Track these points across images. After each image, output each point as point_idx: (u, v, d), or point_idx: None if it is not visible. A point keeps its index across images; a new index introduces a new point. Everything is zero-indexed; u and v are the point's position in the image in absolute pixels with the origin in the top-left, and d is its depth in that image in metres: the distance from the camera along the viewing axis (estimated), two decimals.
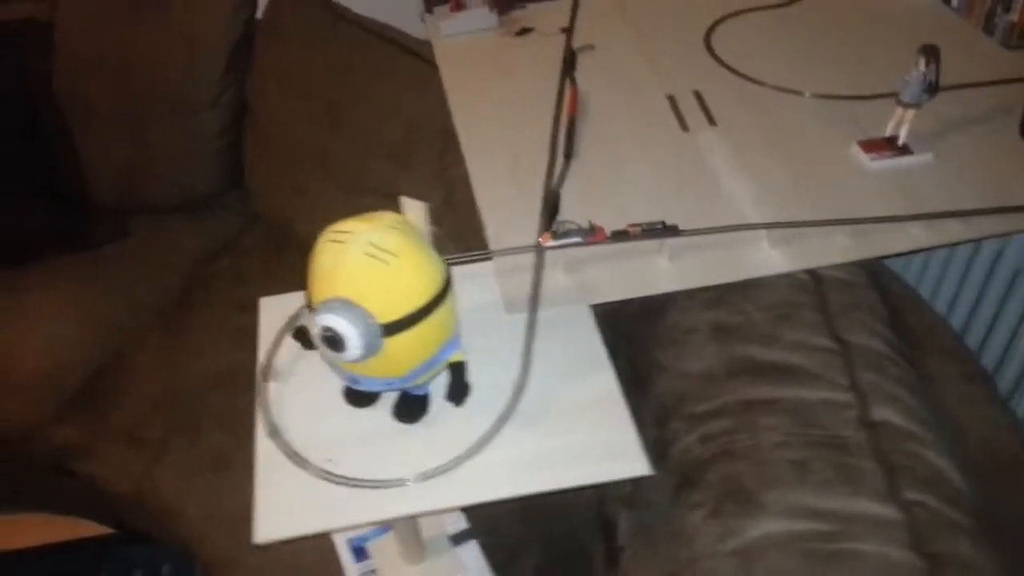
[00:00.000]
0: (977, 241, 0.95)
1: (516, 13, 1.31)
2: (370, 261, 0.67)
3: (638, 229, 0.92)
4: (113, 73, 1.38)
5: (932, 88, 0.98)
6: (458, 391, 0.76)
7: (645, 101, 1.15)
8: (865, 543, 0.68)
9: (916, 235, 0.93)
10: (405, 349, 0.70)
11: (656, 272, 0.92)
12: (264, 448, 0.77)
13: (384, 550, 0.94)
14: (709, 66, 1.20)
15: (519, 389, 0.79)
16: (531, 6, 1.34)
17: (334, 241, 0.69)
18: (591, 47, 1.25)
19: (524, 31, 1.29)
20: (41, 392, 1.20)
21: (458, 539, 0.95)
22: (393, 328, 0.68)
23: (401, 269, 0.68)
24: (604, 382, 0.83)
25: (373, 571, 0.93)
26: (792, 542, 0.69)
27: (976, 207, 0.94)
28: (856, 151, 1.04)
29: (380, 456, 0.76)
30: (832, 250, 0.93)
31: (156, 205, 1.46)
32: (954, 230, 0.94)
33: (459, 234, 1.12)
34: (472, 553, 0.94)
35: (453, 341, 0.74)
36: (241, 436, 1.05)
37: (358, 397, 0.79)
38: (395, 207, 1.23)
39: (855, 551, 0.68)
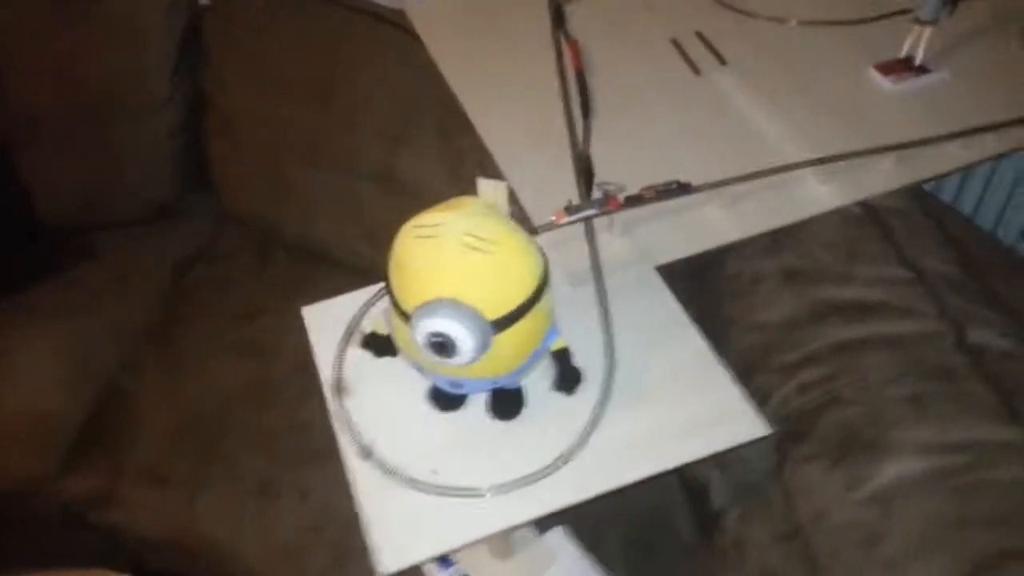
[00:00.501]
0: (1016, 152, 0.95)
1: None
2: (472, 254, 0.61)
3: (652, 192, 0.86)
4: (53, 80, 1.25)
5: (951, 1, 0.96)
6: (569, 379, 0.71)
7: (649, 48, 1.10)
8: (1001, 470, 0.68)
9: (957, 154, 0.93)
10: (515, 344, 0.65)
11: (714, 223, 0.88)
12: (359, 472, 0.70)
13: (470, 551, 0.89)
14: (707, 5, 1.16)
15: (610, 368, 0.75)
16: None
17: (423, 237, 0.63)
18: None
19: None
20: (38, 442, 1.10)
21: (543, 527, 0.91)
22: (504, 323, 0.63)
23: (506, 258, 0.62)
24: (692, 344, 0.79)
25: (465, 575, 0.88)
26: (930, 480, 0.68)
27: (1005, 119, 0.94)
28: (874, 75, 1.02)
29: (484, 458, 0.71)
30: (880, 178, 0.91)
31: (117, 219, 1.35)
32: (991, 145, 0.93)
33: None
34: (559, 538, 0.91)
35: (553, 328, 0.69)
36: (280, 456, 0.99)
37: (447, 400, 0.74)
38: (391, 189, 1.17)
39: (994, 479, 0.67)
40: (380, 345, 0.75)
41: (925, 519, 0.66)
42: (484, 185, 0.68)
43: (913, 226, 0.88)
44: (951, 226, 0.92)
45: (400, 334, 0.67)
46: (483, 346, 0.62)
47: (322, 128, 1.17)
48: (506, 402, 0.72)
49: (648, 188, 0.87)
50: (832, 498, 0.72)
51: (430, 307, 0.61)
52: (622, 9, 1.16)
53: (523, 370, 0.68)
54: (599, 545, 0.92)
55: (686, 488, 0.93)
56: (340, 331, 0.80)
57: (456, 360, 0.63)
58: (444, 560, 0.89)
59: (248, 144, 1.27)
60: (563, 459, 0.69)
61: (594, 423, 0.72)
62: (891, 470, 0.70)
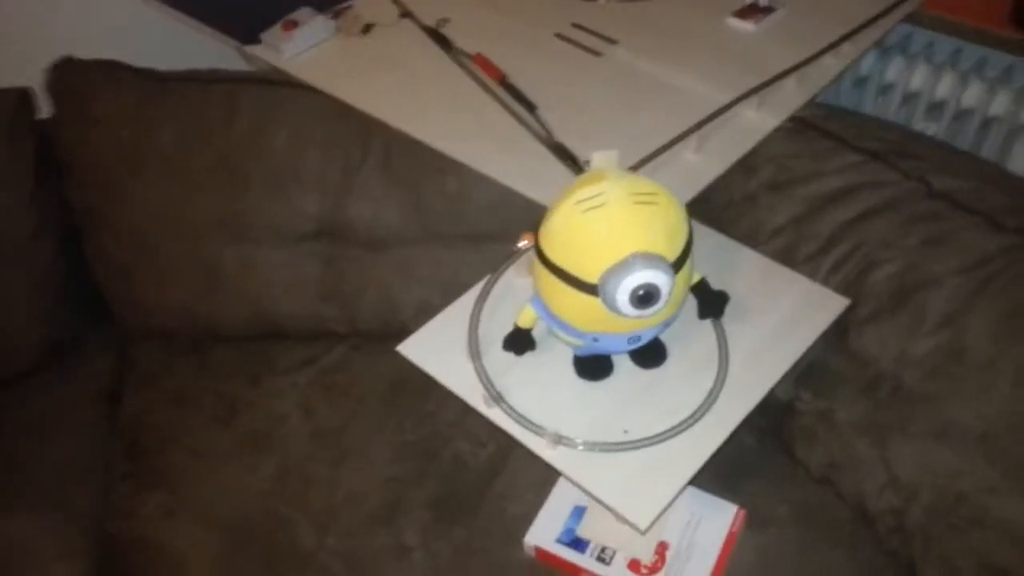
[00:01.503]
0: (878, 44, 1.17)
1: (349, 14, 1.26)
2: (644, 208, 0.67)
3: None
4: None
5: None
6: (717, 303, 0.79)
7: (540, 46, 1.19)
8: (1018, 265, 0.86)
9: (831, 63, 1.12)
10: (683, 284, 0.71)
11: (696, 167, 1.00)
12: (562, 460, 0.73)
13: (593, 526, 0.93)
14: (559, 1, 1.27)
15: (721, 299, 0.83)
16: (356, 3, 1.30)
17: (593, 207, 0.67)
18: (446, 20, 1.25)
19: (368, 28, 1.25)
20: None
21: None
22: (677, 265, 0.69)
23: (668, 206, 0.69)
24: (749, 259, 0.91)
25: (603, 549, 0.91)
26: (979, 287, 0.85)
27: (847, 30, 1.16)
28: (735, 22, 1.20)
29: (653, 409, 0.76)
30: (793, 96, 1.08)
31: (15, 372, 1.17)
32: (847, 51, 1.15)
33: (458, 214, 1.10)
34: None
35: None
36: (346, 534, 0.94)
37: (595, 369, 0.78)
38: (343, 239, 1.15)
39: (1019, 271, 0.85)
40: (522, 342, 0.77)
41: (993, 318, 0.82)
42: (598, 157, 0.73)
43: (839, 123, 1.06)
44: (856, 118, 1.12)
45: (574, 308, 0.70)
46: (672, 291, 0.68)
47: (242, 205, 1.11)
48: (656, 352, 0.78)
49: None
50: (906, 337, 0.87)
51: (630, 263, 0.66)
52: (490, 20, 1.24)
53: (679, 310, 0.74)
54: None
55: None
56: (456, 349, 0.81)
57: (654, 308, 0.68)
58: (579, 543, 0.92)
59: (153, 247, 1.17)
60: (716, 390, 0.77)
61: (724, 353, 0.80)
62: (943, 296, 0.86)
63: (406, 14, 1.27)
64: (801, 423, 0.96)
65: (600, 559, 0.90)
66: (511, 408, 0.75)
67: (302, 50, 1.21)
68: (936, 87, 1.35)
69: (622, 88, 1.11)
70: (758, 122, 1.05)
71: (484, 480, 0.99)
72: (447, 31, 1.23)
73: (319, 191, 1.12)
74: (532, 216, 1.01)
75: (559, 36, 1.21)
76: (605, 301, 0.67)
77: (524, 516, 0.94)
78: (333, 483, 1.01)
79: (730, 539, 0.91)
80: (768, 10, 1.20)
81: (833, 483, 0.94)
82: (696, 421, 0.74)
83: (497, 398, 0.76)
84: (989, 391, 0.81)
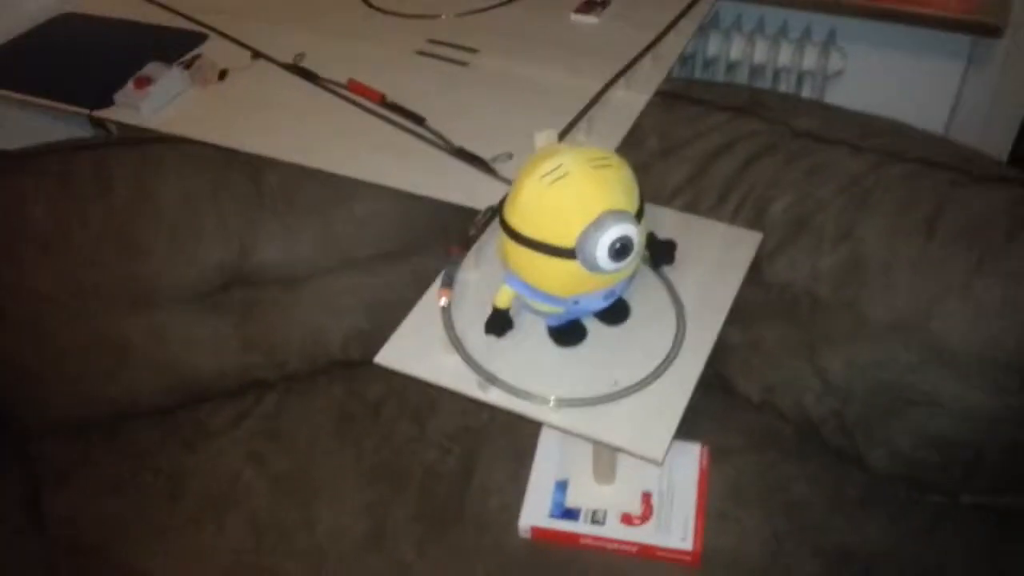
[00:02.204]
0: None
1: (201, 63, 1.24)
2: (604, 170, 0.73)
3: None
4: None
5: None
6: (668, 250, 0.85)
7: (407, 65, 1.23)
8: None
9: (676, 39, 1.24)
10: (644, 235, 0.77)
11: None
12: (569, 422, 0.76)
13: (579, 494, 0.96)
14: (405, 24, 1.31)
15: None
16: (204, 51, 1.28)
17: (557, 179, 0.72)
18: (303, 55, 1.26)
19: (223, 74, 1.24)
20: None
21: None
22: (639, 217, 0.75)
23: (621, 166, 0.75)
24: (671, 216, 0.98)
25: (595, 512, 0.95)
26: (877, 190, 0.97)
27: (679, 11, 1.29)
28: (579, 18, 1.30)
29: (628, 359, 0.81)
30: (653, 72, 1.19)
31: None
32: (685, 27, 1.27)
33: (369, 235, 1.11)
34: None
35: None
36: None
37: (572, 335, 0.82)
38: (256, 283, 1.13)
39: (890, 175, 0.98)
40: (503, 322, 0.80)
41: (880, 223, 0.95)
42: (540, 136, 0.78)
43: (698, 90, 1.16)
44: (709, 84, 1.24)
45: (554, 275, 0.74)
46: (640, 239, 0.74)
47: (139, 272, 1.05)
48: (621, 309, 0.84)
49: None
50: (812, 257, 0.98)
51: (603, 221, 0.71)
52: (345, 49, 1.26)
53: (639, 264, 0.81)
54: None
55: None
56: (433, 347, 0.82)
57: (627, 260, 0.73)
58: (570, 512, 0.95)
59: (47, 335, 1.08)
60: (680, 331, 0.83)
61: (676, 298, 0.87)
62: (833, 215, 0.97)
63: (258, 55, 1.27)
64: (735, 357, 1.05)
65: (595, 522, 0.93)
66: (507, 385, 0.78)
67: (161, 105, 1.18)
68: (753, 54, 1.51)
69: (498, 91, 1.17)
70: (631, 100, 1.14)
71: (461, 482, 1.00)
72: (306, 65, 1.24)
73: (220, 241, 1.09)
74: (442, 222, 1.05)
75: (421, 53, 1.26)
76: (584, 261, 0.72)
77: (510, 505, 0.96)
78: (311, 523, 0.98)
79: (703, 476, 0.98)
80: (604, 3, 1.31)
81: (774, 405, 1.04)
82: (673, 360, 0.80)
83: (492, 379, 0.78)
84: (891, 285, 0.93)
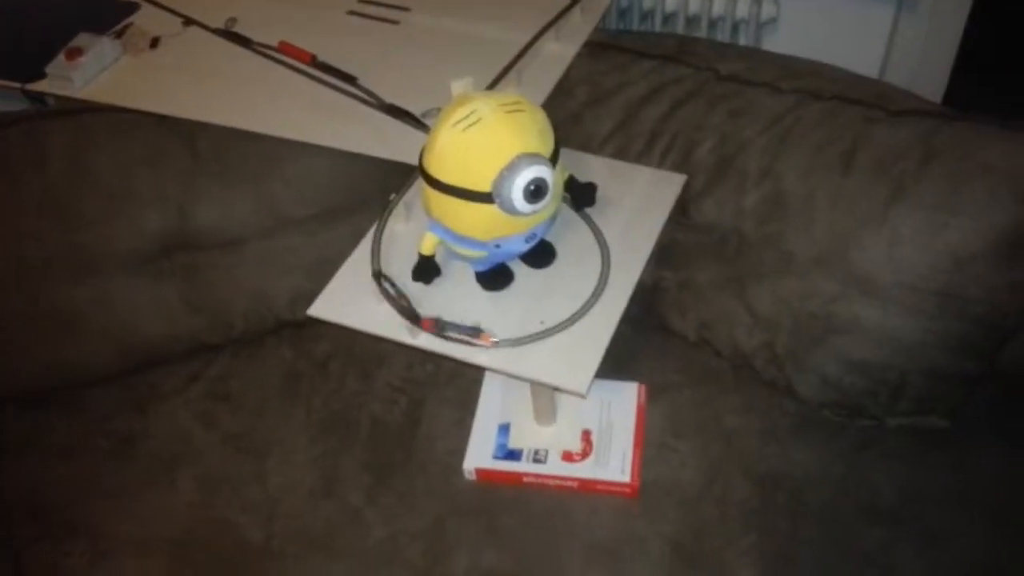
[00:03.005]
0: None
1: (132, 31, 1.24)
2: (516, 115, 0.75)
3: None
4: None
5: None
6: (589, 192, 0.87)
7: (339, 26, 1.24)
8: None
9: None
10: (559, 177, 0.79)
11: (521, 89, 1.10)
12: (502, 361, 0.79)
13: (521, 436, 1.00)
14: None
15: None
16: (135, 20, 1.28)
17: (471, 124, 0.74)
18: (234, 20, 1.26)
19: (155, 41, 1.24)
20: None
21: None
22: (554, 160, 0.77)
23: (534, 111, 0.77)
24: (593, 161, 1.01)
25: (536, 451, 0.98)
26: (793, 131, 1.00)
27: None
28: None
29: (555, 302, 0.84)
30: (583, 23, 1.20)
31: None
32: None
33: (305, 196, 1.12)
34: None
35: None
36: None
37: (499, 279, 0.85)
38: (193, 244, 1.14)
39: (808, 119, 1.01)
40: (430, 269, 0.83)
41: (799, 161, 0.98)
42: (456, 84, 0.80)
43: (628, 40, 1.18)
44: (639, 34, 1.25)
45: (474, 219, 0.77)
46: (555, 181, 0.76)
47: (80, 240, 1.05)
48: (546, 252, 0.86)
49: None
50: (736, 196, 1.00)
51: (516, 164, 0.73)
52: (277, 12, 1.26)
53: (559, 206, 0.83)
54: None
55: None
56: (365, 297, 0.85)
57: (545, 201, 0.76)
58: (513, 453, 0.98)
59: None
60: (605, 270, 0.86)
61: (602, 240, 0.89)
62: (755, 155, 1.00)
63: (190, 22, 1.27)
64: (669, 298, 1.09)
65: (537, 460, 0.97)
66: (440, 326, 0.80)
67: (94, 75, 1.18)
68: (688, 4, 1.53)
69: (430, 47, 1.19)
70: (561, 51, 1.16)
71: (407, 431, 1.03)
72: (238, 30, 1.24)
73: (158, 206, 1.10)
74: (379, 179, 1.06)
75: (353, 13, 1.26)
76: (501, 204, 0.74)
77: (455, 449, 0.99)
78: (261, 477, 1.01)
79: (640, 412, 1.01)
80: None
81: (708, 341, 1.07)
82: (597, 299, 0.83)
83: (419, 323, 0.80)
84: (812, 220, 0.96)
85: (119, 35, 1.23)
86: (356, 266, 0.89)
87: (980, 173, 0.89)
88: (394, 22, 1.24)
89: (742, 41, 1.56)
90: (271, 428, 1.06)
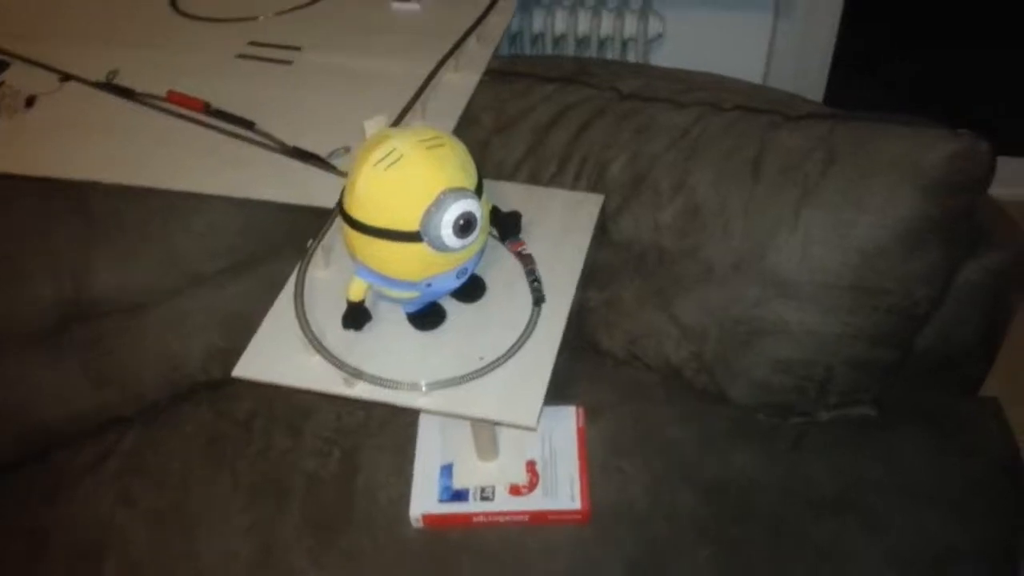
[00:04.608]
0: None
1: (3, 91, 1.16)
2: (437, 150, 0.73)
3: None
4: None
5: None
6: (512, 223, 0.86)
7: (228, 70, 1.19)
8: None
9: (497, 19, 1.26)
10: (485, 209, 0.78)
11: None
12: (435, 401, 0.77)
13: (465, 475, 0.97)
14: (216, 29, 1.28)
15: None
16: (6, 79, 1.20)
17: (392, 164, 0.72)
18: (115, 72, 1.20)
19: (31, 100, 1.17)
20: None
21: None
22: (479, 192, 0.76)
23: (454, 144, 0.75)
24: (507, 189, 1.00)
25: (483, 489, 0.96)
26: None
27: None
28: (399, 5, 1.30)
29: (490, 337, 0.83)
30: (480, 52, 1.20)
31: None
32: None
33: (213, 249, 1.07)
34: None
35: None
36: None
37: (431, 319, 0.83)
38: (88, 312, 1.07)
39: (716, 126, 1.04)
40: (360, 315, 0.80)
41: (709, 172, 0.99)
42: (369, 123, 0.78)
43: (525, 65, 1.18)
44: (534, 58, 1.26)
45: (403, 260, 0.74)
46: (482, 214, 0.75)
47: None
48: (476, 286, 0.85)
49: None
50: (653, 212, 1.02)
51: (443, 200, 0.71)
52: (161, 61, 1.21)
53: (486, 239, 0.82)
54: None
55: None
56: (292, 351, 0.81)
57: (473, 236, 0.74)
58: (459, 494, 0.96)
59: None
60: (538, 302, 0.85)
61: (537, 291, 0.88)
62: (666, 169, 1.02)
63: (68, 77, 1.20)
64: (596, 318, 1.08)
65: (484, 498, 0.94)
66: (374, 377, 0.77)
67: None
68: (576, 26, 1.56)
69: (326, 86, 1.16)
70: (462, 81, 1.15)
71: (345, 484, 0.99)
72: (120, 82, 1.18)
73: (51, 277, 1.03)
74: (288, 224, 1.03)
75: (242, 56, 1.22)
76: (431, 241, 0.72)
77: (398, 497, 0.96)
78: (192, 556, 0.94)
79: (581, 435, 1.00)
80: None
81: (638, 356, 1.07)
82: (534, 327, 0.82)
83: (356, 374, 0.77)
84: (727, 229, 0.98)
85: None
86: (277, 319, 0.85)
87: (881, 170, 0.93)
88: (286, 62, 1.21)
89: (631, 58, 1.60)
90: (198, 499, 1.00)
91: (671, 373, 1.06)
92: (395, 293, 0.78)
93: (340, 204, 0.76)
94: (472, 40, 1.21)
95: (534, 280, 0.85)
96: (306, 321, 0.82)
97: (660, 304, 1.04)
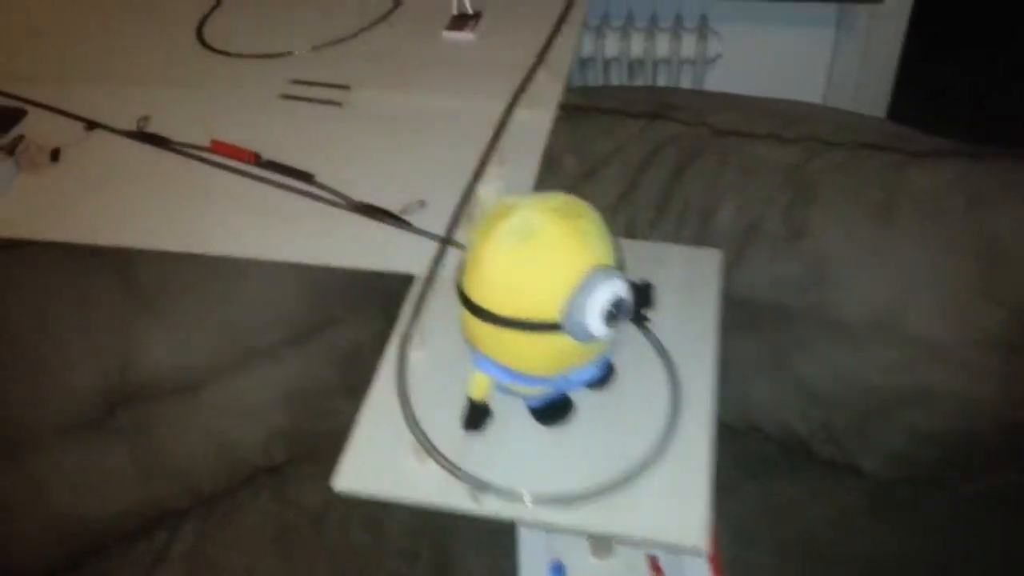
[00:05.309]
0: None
1: (26, 145, 1.04)
2: (573, 222, 0.62)
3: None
4: None
5: None
6: (646, 295, 0.74)
7: (273, 113, 1.07)
8: None
9: (565, 44, 1.14)
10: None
11: (506, 180, 0.96)
12: (594, 518, 0.65)
13: (578, 563, 0.86)
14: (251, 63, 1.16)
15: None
16: (26, 130, 1.08)
17: (522, 240, 0.60)
18: (147, 118, 1.08)
19: (56, 153, 1.05)
20: None
21: None
22: (622, 268, 0.65)
23: (590, 212, 0.64)
24: None
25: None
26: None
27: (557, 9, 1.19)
28: (452, 35, 1.18)
29: (632, 429, 0.71)
30: (549, 85, 1.08)
31: None
32: (576, 18, 1.17)
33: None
34: None
35: None
36: None
37: (560, 411, 0.71)
38: (135, 396, 0.95)
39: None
40: (482, 415, 0.68)
41: (834, 219, 0.89)
42: (486, 189, 0.67)
43: (602, 98, 1.08)
44: (607, 89, 1.15)
45: (539, 354, 0.63)
46: None
47: (9, 414, 0.87)
48: (608, 371, 0.73)
49: None
50: (769, 265, 0.91)
51: (591, 281, 0.60)
52: (196, 103, 1.09)
53: None
54: None
55: None
56: (399, 457, 0.69)
57: (621, 322, 0.63)
58: (557, 569, 0.85)
59: None
60: (674, 378, 0.74)
61: (655, 341, 0.77)
62: (778, 216, 0.91)
63: (93, 125, 1.08)
64: None
65: None
66: (504, 491, 0.65)
67: None
68: (629, 48, 1.45)
69: (386, 129, 1.04)
70: (535, 120, 1.03)
71: None
72: (153, 130, 1.06)
73: (92, 360, 0.91)
74: (354, 288, 0.91)
75: (286, 97, 1.10)
76: (573, 332, 0.61)
77: None
78: None
79: None
80: (477, 16, 1.19)
81: (758, 427, 0.96)
82: (679, 415, 0.71)
83: (481, 487, 0.65)
84: (859, 282, 0.87)
85: (10, 151, 1.02)
86: (375, 416, 0.73)
87: None
88: (336, 103, 1.09)
89: (686, 80, 1.49)
90: None
91: (795, 443, 0.95)
92: (523, 389, 0.67)
93: (458, 287, 0.64)
94: (540, 72, 1.09)
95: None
96: (415, 420, 0.70)
97: (779, 364, 0.93)
